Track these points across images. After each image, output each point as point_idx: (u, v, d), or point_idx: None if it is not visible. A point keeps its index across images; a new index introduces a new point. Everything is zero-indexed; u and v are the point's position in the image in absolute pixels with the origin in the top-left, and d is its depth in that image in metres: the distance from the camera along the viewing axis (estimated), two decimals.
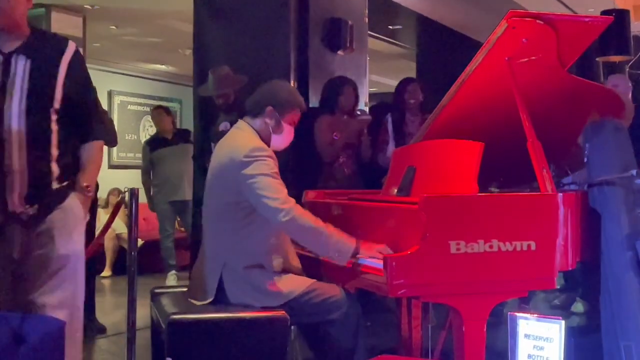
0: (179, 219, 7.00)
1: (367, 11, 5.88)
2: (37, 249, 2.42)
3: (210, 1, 5.56)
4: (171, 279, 6.64)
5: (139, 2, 6.95)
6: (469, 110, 3.06)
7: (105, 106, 8.48)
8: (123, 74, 10.43)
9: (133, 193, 3.28)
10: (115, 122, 8.56)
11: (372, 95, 6.72)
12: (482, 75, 2.90)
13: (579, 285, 4.31)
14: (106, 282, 7.44)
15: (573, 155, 3.25)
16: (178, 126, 8.28)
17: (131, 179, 7.20)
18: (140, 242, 5.13)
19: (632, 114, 3.89)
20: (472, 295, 2.44)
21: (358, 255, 2.62)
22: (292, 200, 2.70)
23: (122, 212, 4.73)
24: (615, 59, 6.96)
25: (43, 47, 2.46)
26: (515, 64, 2.83)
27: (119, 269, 7.59)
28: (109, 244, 7.69)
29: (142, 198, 5.41)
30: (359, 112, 4.93)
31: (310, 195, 3.40)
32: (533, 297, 3.91)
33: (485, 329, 2.46)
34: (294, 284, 2.76)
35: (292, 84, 5.03)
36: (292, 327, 2.88)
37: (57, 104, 2.43)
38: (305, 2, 5.26)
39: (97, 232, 4.40)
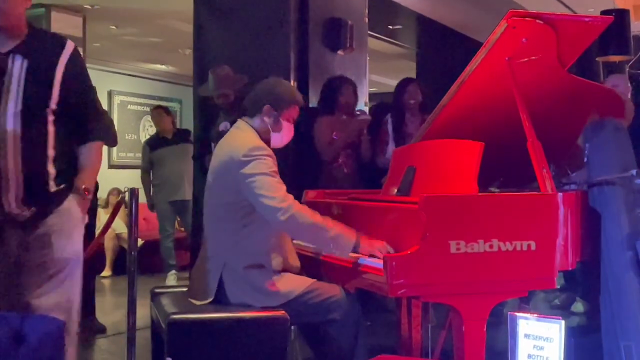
0: (179, 219, 7.00)
1: (367, 11, 5.88)
2: (35, 252, 2.40)
3: (210, 1, 5.56)
4: (171, 279, 6.64)
5: (139, 2, 6.95)
6: (469, 110, 3.06)
7: (105, 106, 8.47)
8: (123, 74, 10.43)
9: (133, 193, 3.28)
10: (115, 122, 8.57)
11: (372, 95, 6.71)
12: (482, 75, 2.90)
13: (579, 285, 4.32)
14: (106, 282, 7.43)
15: (573, 155, 3.25)
16: (178, 126, 8.28)
17: (131, 179, 7.19)
18: (140, 242, 5.14)
19: (632, 114, 3.89)
20: (472, 295, 2.44)
21: (358, 249, 2.63)
22: (290, 197, 2.69)
23: (122, 212, 4.74)
24: (615, 58, 6.96)
25: (41, 46, 2.43)
26: (515, 64, 2.83)
27: (119, 269, 7.59)
28: (109, 244, 7.69)
29: (142, 198, 5.41)
30: (358, 112, 4.94)
31: (310, 195, 3.40)
32: (533, 297, 3.92)
33: (485, 329, 2.46)
34: (294, 284, 2.76)
35: (292, 84, 5.03)
36: (292, 327, 2.88)
37: (53, 105, 2.40)
38: (305, 2, 5.26)
39: (97, 232, 4.40)
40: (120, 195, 4.13)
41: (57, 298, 2.42)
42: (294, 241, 3.01)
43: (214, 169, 2.87)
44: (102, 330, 4.86)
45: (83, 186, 2.51)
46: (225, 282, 2.75)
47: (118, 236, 7.73)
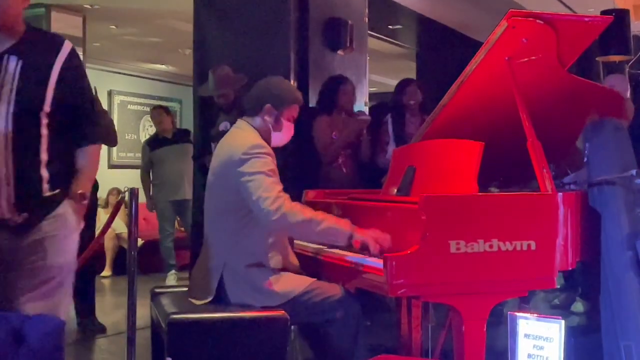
0: (178, 219, 7.01)
1: (367, 11, 5.88)
2: (28, 258, 2.32)
3: (210, 1, 5.55)
4: (171, 278, 6.64)
5: (139, 2, 6.95)
6: (469, 110, 3.06)
7: (105, 106, 8.49)
8: (123, 73, 10.43)
9: (133, 193, 3.28)
10: (115, 122, 8.56)
11: (372, 95, 6.71)
12: (482, 75, 2.90)
13: (579, 285, 4.32)
14: (106, 282, 7.44)
15: (573, 155, 3.26)
16: (178, 126, 8.29)
17: (131, 179, 7.19)
18: (140, 242, 5.14)
19: (632, 113, 3.90)
20: (472, 295, 2.44)
21: (354, 238, 2.64)
22: (284, 196, 2.68)
23: (122, 212, 4.74)
24: (615, 58, 6.95)
25: (36, 47, 2.36)
26: (515, 64, 2.83)
27: (119, 268, 7.59)
28: (109, 243, 7.69)
29: (142, 198, 5.41)
30: (358, 112, 4.93)
31: (310, 195, 3.40)
32: (533, 297, 3.92)
33: (485, 329, 2.46)
34: (294, 284, 2.76)
35: (292, 83, 5.03)
36: (292, 327, 2.88)
37: (47, 107, 2.31)
38: (305, 2, 5.26)
39: (97, 232, 4.40)
40: (120, 195, 4.12)
41: (46, 305, 2.33)
42: (296, 242, 3.01)
43: (214, 169, 2.87)
44: (102, 330, 4.86)
45: (79, 191, 2.43)
46: (225, 282, 2.75)
47: (118, 236, 7.74)
